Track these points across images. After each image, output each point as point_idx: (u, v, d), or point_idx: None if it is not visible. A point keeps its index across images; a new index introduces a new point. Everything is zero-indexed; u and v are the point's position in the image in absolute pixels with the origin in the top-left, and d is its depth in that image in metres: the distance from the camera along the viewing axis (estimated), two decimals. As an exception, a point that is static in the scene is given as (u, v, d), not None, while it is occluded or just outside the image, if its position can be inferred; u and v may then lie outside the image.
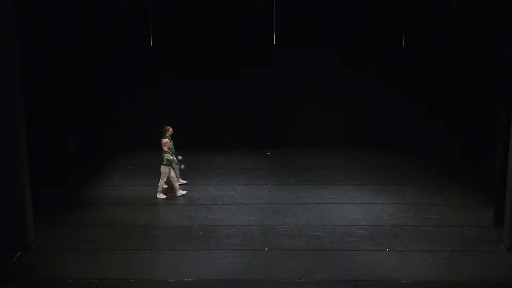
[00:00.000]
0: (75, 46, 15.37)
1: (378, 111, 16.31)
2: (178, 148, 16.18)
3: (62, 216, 12.34)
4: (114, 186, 14.03)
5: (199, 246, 11.07)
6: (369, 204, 12.84)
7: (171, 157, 13.12)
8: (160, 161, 13.22)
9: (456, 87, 15.74)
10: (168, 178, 13.20)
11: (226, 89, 16.30)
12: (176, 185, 13.32)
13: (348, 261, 10.54)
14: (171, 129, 13.43)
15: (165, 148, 13.11)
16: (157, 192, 13.25)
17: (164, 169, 13.12)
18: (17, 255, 10.72)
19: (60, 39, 14.98)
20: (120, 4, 13.12)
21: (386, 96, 16.13)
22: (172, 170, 13.24)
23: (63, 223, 12.06)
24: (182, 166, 13.50)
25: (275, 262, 10.54)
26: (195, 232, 11.63)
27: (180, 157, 13.36)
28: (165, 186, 13.38)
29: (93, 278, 10.07)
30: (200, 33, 15.72)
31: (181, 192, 13.33)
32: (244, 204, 12.94)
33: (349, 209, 12.59)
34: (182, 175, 13.84)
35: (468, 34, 14.94)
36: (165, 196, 13.27)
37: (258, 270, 10.28)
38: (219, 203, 13.00)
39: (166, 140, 13.20)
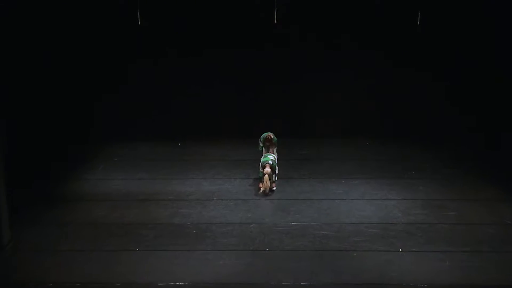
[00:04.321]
0: (54, 30, 15.33)
1: (390, 97, 16.31)
2: (170, 138, 16.23)
3: (40, 213, 12.33)
4: (97, 180, 14.01)
5: (192, 246, 11.08)
6: (380, 200, 12.86)
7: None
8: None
9: (476, 72, 15.72)
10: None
11: (221, 73, 16.29)
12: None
13: (357, 263, 10.55)
14: None
15: None
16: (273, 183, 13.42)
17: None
18: (-9, 257, 10.76)
19: (38, 22, 14.94)
20: None
21: (398, 80, 16.12)
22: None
23: (42, 221, 12.05)
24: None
25: (277, 264, 10.54)
26: (188, 231, 11.64)
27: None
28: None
29: (75, 281, 10.08)
30: (194, 12, 15.68)
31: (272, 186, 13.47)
32: (242, 199, 12.95)
33: (358, 206, 12.60)
34: None
35: (494, 11, 14.93)
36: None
37: (258, 273, 10.29)
38: (215, 198, 13.01)
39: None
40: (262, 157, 13.35)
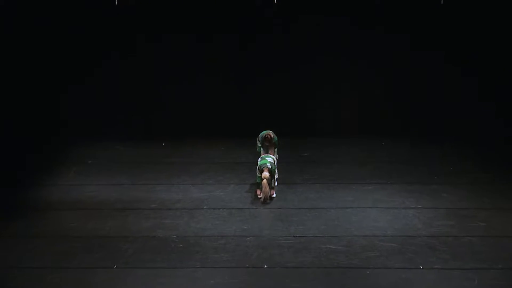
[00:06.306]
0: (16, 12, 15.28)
1: (407, 91, 16.29)
2: (153, 137, 16.24)
3: (3, 224, 12.26)
4: (69, 186, 13.93)
5: (178, 263, 11.01)
6: (397, 209, 12.80)
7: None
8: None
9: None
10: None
11: (214, 63, 16.23)
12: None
13: (371, 282, 10.47)
14: None
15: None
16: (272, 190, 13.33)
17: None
18: None
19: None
20: None
21: (418, 70, 16.10)
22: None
23: (5, 233, 11.99)
24: None
25: (277, 283, 10.46)
26: (174, 245, 11.56)
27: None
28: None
29: (42, 304, 10.02)
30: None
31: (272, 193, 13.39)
32: (236, 208, 12.89)
33: (372, 215, 12.54)
34: None
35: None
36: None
37: (255, 294, 10.23)
38: (205, 207, 12.94)
39: None
40: (259, 159, 13.25)
